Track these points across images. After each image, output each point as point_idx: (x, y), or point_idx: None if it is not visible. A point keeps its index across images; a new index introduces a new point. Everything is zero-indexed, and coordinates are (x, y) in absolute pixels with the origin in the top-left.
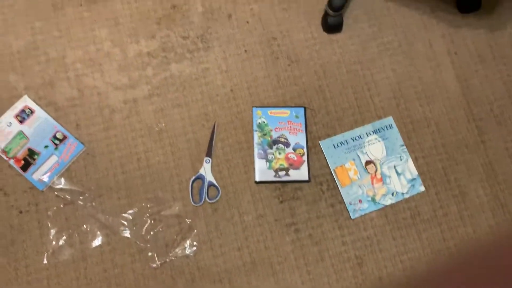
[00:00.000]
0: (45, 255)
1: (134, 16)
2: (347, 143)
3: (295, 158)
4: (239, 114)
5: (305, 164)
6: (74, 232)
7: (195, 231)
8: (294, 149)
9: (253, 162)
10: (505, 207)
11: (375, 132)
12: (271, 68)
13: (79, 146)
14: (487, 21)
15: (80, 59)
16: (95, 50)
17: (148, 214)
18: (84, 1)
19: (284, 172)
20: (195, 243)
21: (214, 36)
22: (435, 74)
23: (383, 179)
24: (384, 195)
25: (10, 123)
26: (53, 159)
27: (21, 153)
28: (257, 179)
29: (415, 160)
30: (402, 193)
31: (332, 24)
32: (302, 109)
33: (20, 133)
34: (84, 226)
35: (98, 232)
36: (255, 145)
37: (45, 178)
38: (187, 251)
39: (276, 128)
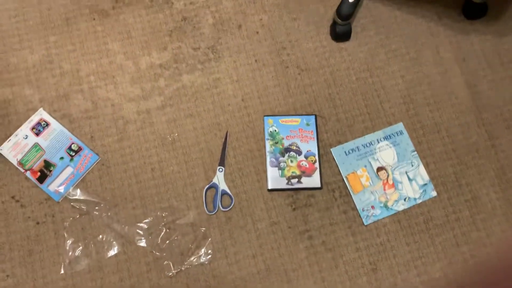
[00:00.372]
0: (62, 265)
1: (145, 29)
2: (358, 150)
3: (307, 166)
4: (250, 123)
5: (317, 172)
6: (90, 242)
7: (210, 239)
8: (306, 157)
9: (265, 170)
10: None
11: (386, 138)
12: (281, 77)
13: (94, 157)
14: (494, 26)
15: (94, 71)
16: (108, 63)
17: (163, 223)
18: (97, 15)
19: (296, 180)
20: (209, 251)
21: (225, 47)
22: (443, 80)
23: (395, 185)
24: (397, 201)
25: (26, 135)
26: (69, 170)
27: (37, 165)
28: (270, 187)
29: (426, 166)
30: (415, 199)
31: (340, 32)
32: (313, 117)
33: (36, 145)
34: (100, 236)
35: (114, 242)
36: (267, 153)
37: (61, 189)
38: (202, 259)
39: (288, 136)
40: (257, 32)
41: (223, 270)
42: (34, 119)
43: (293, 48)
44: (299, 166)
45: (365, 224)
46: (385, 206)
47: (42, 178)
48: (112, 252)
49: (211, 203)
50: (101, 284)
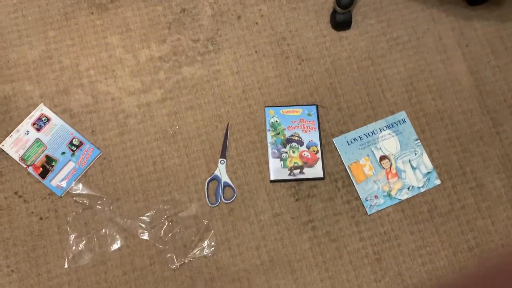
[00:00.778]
0: (66, 260)
1: (144, 22)
2: (360, 139)
3: (309, 156)
4: (251, 114)
5: (320, 162)
6: (93, 237)
7: (213, 231)
8: (308, 147)
9: (267, 162)
10: None
11: (388, 127)
12: (282, 67)
13: (96, 152)
14: (497, 12)
15: (93, 66)
16: (107, 57)
17: (165, 216)
18: (95, 9)
19: (298, 170)
20: (213, 243)
21: (224, 38)
22: (446, 67)
23: (398, 173)
24: (400, 190)
25: (28, 131)
26: (71, 165)
27: (39, 160)
28: (272, 178)
29: (430, 154)
30: (418, 187)
31: (340, 21)
32: (314, 107)
33: (38, 141)
34: (103, 230)
35: (117, 236)
36: (268, 144)
37: (63, 184)
38: (205, 252)
39: (289, 126)
40: (257, 23)
41: (226, 262)
42: (35, 114)
43: (293, 38)
44: (301, 156)
45: (369, 213)
46: (389, 195)
47: (44, 173)
48: (115, 245)
49: (213, 195)
50: (105, 277)
